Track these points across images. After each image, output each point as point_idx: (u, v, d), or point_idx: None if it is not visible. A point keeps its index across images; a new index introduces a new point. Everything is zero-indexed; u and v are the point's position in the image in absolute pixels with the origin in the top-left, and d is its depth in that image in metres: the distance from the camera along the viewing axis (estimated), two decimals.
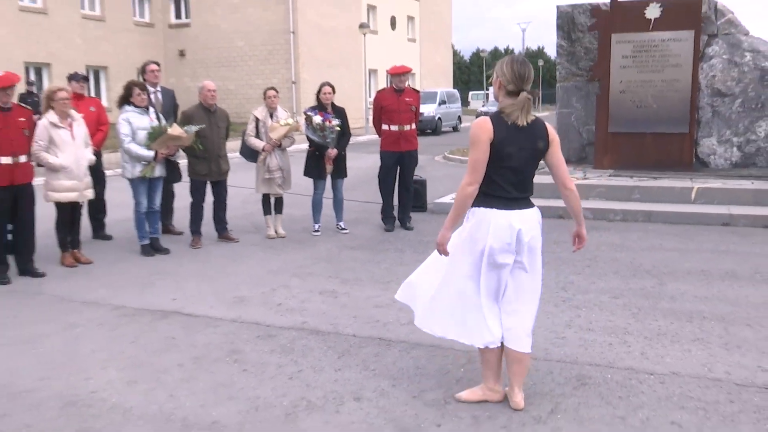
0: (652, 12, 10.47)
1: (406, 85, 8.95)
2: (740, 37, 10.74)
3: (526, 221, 3.59)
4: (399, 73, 8.83)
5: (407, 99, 8.79)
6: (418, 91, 9.29)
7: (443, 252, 3.70)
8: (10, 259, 6.85)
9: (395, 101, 8.74)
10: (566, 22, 11.51)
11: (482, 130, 3.50)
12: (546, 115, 47.61)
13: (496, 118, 3.54)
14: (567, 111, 11.86)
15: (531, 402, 3.80)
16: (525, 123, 3.53)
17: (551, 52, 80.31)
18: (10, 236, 6.84)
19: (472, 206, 3.62)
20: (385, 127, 8.80)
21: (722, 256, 7.17)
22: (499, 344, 3.72)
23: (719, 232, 8.38)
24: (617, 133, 10.88)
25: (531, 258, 3.65)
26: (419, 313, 3.94)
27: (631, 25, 10.60)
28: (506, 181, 3.55)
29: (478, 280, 3.64)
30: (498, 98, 3.66)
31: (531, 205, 3.67)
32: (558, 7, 11.63)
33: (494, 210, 3.54)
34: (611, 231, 8.58)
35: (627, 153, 10.85)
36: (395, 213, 9.05)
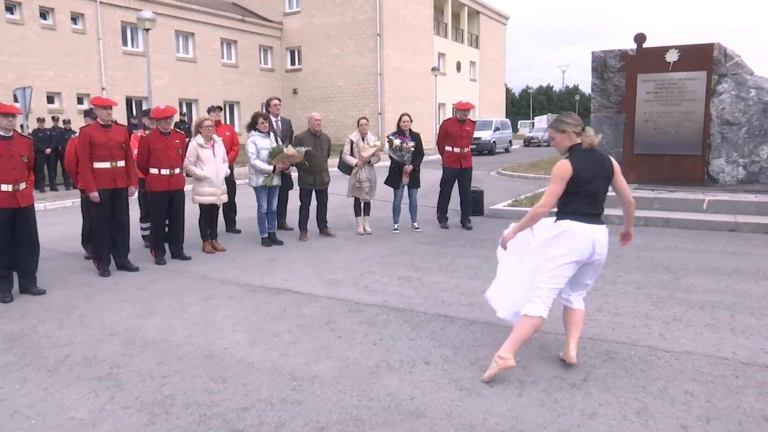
0: (671, 56, 10.08)
1: (467, 117, 8.88)
2: (746, 76, 10.17)
3: (600, 235, 3.60)
4: (464, 109, 8.76)
5: (467, 128, 8.75)
6: (474, 122, 9.19)
7: (503, 246, 3.79)
8: (166, 247, 7.10)
9: (458, 129, 8.68)
10: (600, 64, 11.15)
11: (564, 171, 3.55)
12: None
13: (574, 157, 3.58)
14: (599, 136, 11.50)
15: (567, 371, 3.69)
16: (597, 143, 3.65)
17: (585, 88, 78.15)
18: (166, 229, 7.10)
19: (557, 219, 3.63)
20: (448, 148, 8.75)
21: (729, 257, 6.79)
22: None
23: (726, 237, 7.94)
24: (641, 154, 10.48)
25: (599, 261, 3.68)
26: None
27: (653, 67, 10.20)
28: (584, 201, 3.57)
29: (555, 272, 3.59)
30: (565, 146, 3.65)
31: (602, 222, 3.66)
32: (593, 52, 11.27)
33: (577, 223, 3.55)
34: (635, 234, 8.10)
35: (649, 170, 10.44)
36: (448, 215, 9.04)
